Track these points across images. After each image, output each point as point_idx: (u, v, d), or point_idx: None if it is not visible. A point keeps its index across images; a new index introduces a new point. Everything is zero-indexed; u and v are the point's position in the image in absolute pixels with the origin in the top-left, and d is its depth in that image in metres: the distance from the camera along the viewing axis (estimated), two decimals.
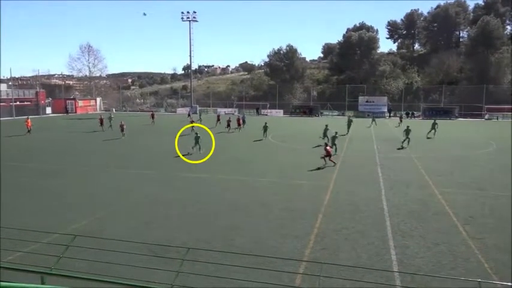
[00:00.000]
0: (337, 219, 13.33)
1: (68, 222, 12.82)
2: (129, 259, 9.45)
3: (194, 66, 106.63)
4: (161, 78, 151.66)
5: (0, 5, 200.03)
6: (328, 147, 22.81)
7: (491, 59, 78.32)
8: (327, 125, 31.41)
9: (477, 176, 20.16)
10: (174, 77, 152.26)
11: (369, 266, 9.76)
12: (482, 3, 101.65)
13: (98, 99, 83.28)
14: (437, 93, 78.20)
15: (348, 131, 39.60)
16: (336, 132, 26.66)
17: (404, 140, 29.97)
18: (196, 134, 27.30)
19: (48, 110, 71.40)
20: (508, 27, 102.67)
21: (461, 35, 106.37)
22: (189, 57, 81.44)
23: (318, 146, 28.61)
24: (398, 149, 28.71)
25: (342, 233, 12.08)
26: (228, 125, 40.57)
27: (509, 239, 11.53)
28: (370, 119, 51.45)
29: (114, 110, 78.97)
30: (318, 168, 21.59)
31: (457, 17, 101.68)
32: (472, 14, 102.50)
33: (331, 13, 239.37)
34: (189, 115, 57.75)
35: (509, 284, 8.60)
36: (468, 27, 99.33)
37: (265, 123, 35.26)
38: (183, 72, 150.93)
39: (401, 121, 51.92)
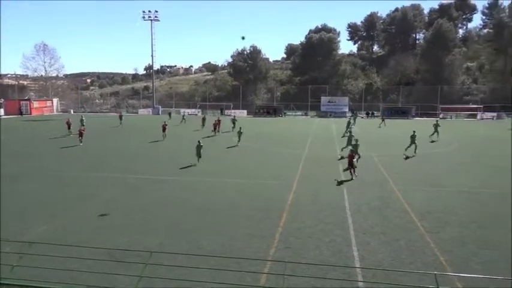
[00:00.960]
0: (301, 218, 13.53)
1: (26, 228, 12.28)
2: (90, 265, 9.20)
3: (156, 67, 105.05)
4: (122, 79, 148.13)
5: (0, 4, 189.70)
6: (353, 155, 20.20)
7: (444, 61, 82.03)
8: (350, 132, 27.16)
9: (433, 173, 21.03)
10: (135, 77, 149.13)
11: (332, 263, 9.97)
12: (437, 7, 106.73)
13: (55, 100, 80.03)
14: (395, 93, 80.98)
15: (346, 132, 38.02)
16: (357, 140, 24.01)
17: (408, 147, 26.34)
18: (199, 142, 23.51)
19: (1, 111, 67.88)
20: (460, 30, 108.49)
21: (417, 37, 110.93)
22: (150, 57, 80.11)
23: (341, 158, 24.43)
24: (405, 158, 25.19)
25: (305, 231, 12.27)
26: (215, 128, 38.36)
27: (462, 233, 12.14)
28: (352, 119, 51.63)
29: (72, 111, 76.27)
30: (341, 182, 18.67)
31: (414, 20, 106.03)
32: (427, 17, 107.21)
33: (294, 14, 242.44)
34: (169, 116, 55.19)
35: (463, 275, 9.05)
36: (424, 30, 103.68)
37: (240, 128, 32.33)
38: (144, 72, 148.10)
39: (383, 121, 51.93)
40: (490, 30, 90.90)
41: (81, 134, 31.84)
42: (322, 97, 73.35)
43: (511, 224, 12.66)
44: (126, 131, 42.99)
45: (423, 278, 8.86)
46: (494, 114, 65.68)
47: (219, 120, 40.20)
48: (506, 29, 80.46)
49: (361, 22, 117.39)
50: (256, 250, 10.83)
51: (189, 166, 22.43)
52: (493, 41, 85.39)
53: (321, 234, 12.05)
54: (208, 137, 36.14)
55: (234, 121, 41.12)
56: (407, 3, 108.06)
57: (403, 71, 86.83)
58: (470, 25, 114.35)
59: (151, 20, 75.95)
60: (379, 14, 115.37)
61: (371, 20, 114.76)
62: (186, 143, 30.08)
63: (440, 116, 67.53)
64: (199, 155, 23.07)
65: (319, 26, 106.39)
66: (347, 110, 70.92)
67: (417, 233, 12.17)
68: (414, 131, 26.96)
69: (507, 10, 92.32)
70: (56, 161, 24.49)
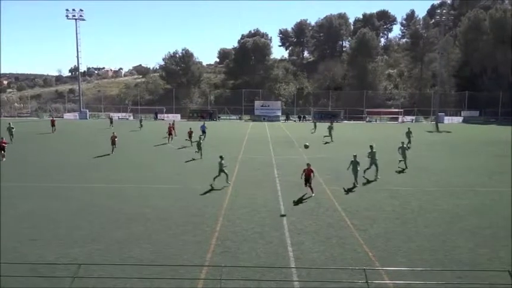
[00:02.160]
0: (237, 221, 13.57)
1: None
2: (11, 283, 8.46)
3: (82, 68, 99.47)
4: (44, 81, 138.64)
5: (0, 4, 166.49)
6: (310, 168, 17.07)
7: (368, 67, 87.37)
8: (371, 146, 21.37)
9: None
10: (59, 79, 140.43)
11: (268, 265, 10.11)
12: (361, 17, 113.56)
13: None
14: (325, 98, 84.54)
15: (331, 137, 37.63)
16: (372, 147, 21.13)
17: (401, 161, 23.46)
18: (221, 158, 18.70)
19: None
20: (382, 39, 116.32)
21: (344, 44, 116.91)
22: (76, 58, 75.67)
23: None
24: (399, 172, 22.69)
25: (241, 234, 12.32)
26: (190, 136, 33.50)
27: (388, 228, 12.95)
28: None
29: None
30: (300, 201, 15.98)
31: (340, 28, 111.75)
32: (352, 26, 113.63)
33: (227, 19, 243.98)
34: (111, 122, 51.85)
35: (389, 268, 9.66)
36: (349, 38, 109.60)
37: (200, 138, 28.88)
38: (70, 74, 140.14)
39: (331, 124, 50.39)
40: (408, 40, 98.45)
41: (2, 148, 25.27)
42: (255, 101, 74.52)
43: (430, 218, 13.75)
44: (62, 137, 40.23)
45: (354, 274, 9.29)
46: (413, 117, 71.43)
47: (172, 127, 36.05)
48: (421, 39, 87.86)
49: (292, 28, 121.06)
50: (192, 256, 10.66)
51: (119, 173, 21.50)
52: (410, 50, 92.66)
53: (257, 236, 12.18)
54: (185, 147, 33.58)
55: (204, 129, 36.66)
56: (335, 13, 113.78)
57: (332, 77, 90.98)
58: (391, 35, 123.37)
59: (75, 19, 71.97)
60: (308, 21, 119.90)
61: (301, 27, 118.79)
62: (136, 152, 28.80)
63: (367, 119, 71.71)
64: (221, 173, 18.44)
65: (252, 31, 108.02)
66: (280, 113, 72.78)
67: (348, 230, 12.76)
68: (403, 143, 24.03)
69: (422, 22, 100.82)
70: None
